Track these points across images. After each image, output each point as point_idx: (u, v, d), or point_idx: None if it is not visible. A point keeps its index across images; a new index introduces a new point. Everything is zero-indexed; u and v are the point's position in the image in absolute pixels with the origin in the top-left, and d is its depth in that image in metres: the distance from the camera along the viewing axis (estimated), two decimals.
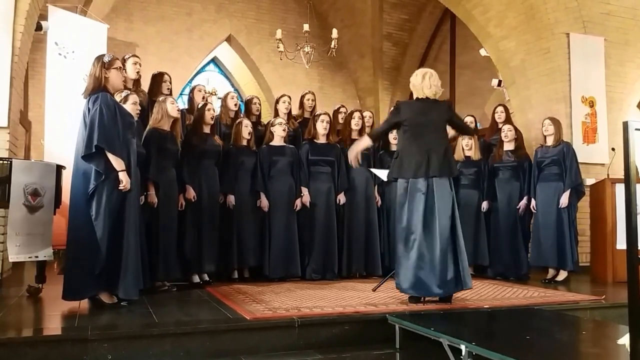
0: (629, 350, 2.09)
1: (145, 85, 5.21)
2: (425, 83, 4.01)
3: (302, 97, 6.06)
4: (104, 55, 3.85)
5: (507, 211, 5.61)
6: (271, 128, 5.41)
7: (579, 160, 5.58)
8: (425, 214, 3.87)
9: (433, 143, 3.97)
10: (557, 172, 5.45)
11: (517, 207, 5.57)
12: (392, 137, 5.64)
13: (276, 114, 5.76)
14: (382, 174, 5.02)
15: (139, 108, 4.33)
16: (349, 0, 10.33)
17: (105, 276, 3.61)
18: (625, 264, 2.12)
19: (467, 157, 5.74)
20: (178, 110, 4.58)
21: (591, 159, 6.45)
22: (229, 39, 10.51)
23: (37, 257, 4.27)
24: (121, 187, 3.62)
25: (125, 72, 4.18)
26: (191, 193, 4.75)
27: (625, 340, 2.44)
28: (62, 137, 6.05)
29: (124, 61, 4.89)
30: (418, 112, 4.01)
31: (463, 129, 4.38)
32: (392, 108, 4.25)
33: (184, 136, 4.90)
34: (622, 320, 3.42)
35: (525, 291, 4.63)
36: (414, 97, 4.12)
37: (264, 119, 6.03)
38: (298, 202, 5.33)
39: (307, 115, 5.94)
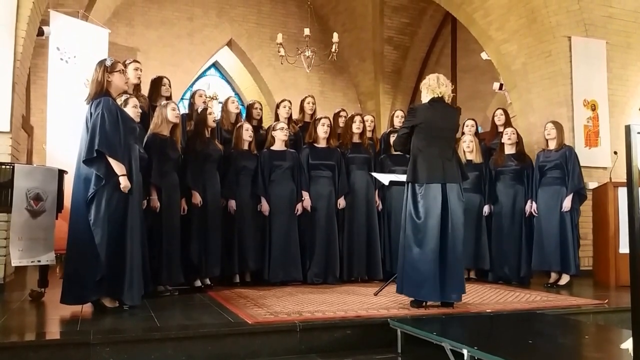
0: (632, 354, 2.08)
1: (145, 89, 5.22)
2: (440, 82, 4.08)
3: (303, 101, 6.07)
4: (105, 59, 3.87)
5: (509, 215, 5.60)
6: (272, 132, 5.42)
7: (581, 164, 5.57)
8: (441, 219, 3.86)
9: (447, 148, 4.00)
10: (560, 176, 5.44)
11: (525, 211, 5.55)
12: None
13: (277, 119, 5.76)
14: (383, 178, 5.02)
15: (140, 111, 4.35)
16: (350, 4, 10.35)
17: (107, 282, 3.61)
18: (628, 268, 2.12)
19: (469, 161, 5.73)
20: (177, 117, 4.59)
21: (593, 162, 6.44)
22: (230, 44, 10.53)
23: (39, 261, 4.28)
24: (121, 187, 3.63)
25: (127, 75, 4.18)
26: (197, 198, 4.75)
27: (628, 344, 2.43)
28: (64, 142, 6.06)
29: (125, 66, 4.91)
30: (434, 115, 4.01)
31: None
32: (408, 110, 4.23)
33: (186, 141, 4.90)
34: (625, 325, 3.41)
35: (527, 295, 4.62)
36: (426, 99, 4.10)
37: (265, 124, 6.04)
38: (299, 206, 5.33)
39: (307, 119, 5.94)
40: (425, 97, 4.12)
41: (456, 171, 3.99)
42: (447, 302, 3.92)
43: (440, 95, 4.05)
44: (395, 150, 4.50)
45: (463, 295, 3.99)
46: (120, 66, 3.86)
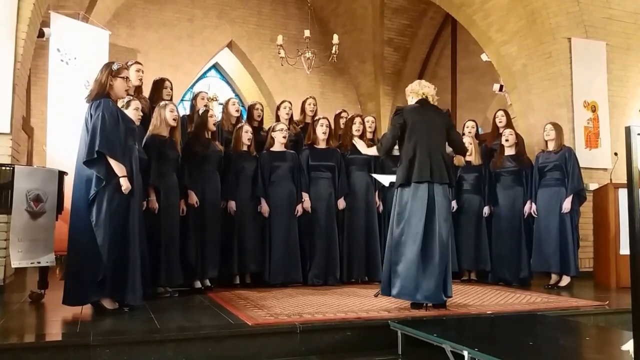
0: (632, 356, 2.08)
1: (146, 91, 5.22)
2: (422, 84, 4.20)
3: (304, 102, 6.07)
4: (113, 63, 3.89)
5: (509, 216, 5.60)
6: (272, 133, 5.42)
7: (581, 165, 5.57)
8: (426, 219, 3.83)
9: (435, 148, 3.98)
10: (559, 177, 5.43)
11: (524, 212, 5.55)
12: None
13: (277, 120, 5.76)
14: (383, 179, 5.01)
15: (141, 114, 4.34)
16: (350, 6, 10.36)
17: (108, 282, 3.60)
18: (629, 269, 2.12)
19: (468, 162, 5.74)
20: (175, 119, 4.57)
21: (594, 164, 6.44)
22: (230, 45, 10.55)
23: (39, 262, 4.28)
24: (122, 189, 3.63)
25: (130, 84, 4.18)
26: (193, 198, 4.75)
27: (629, 346, 2.43)
28: (64, 143, 6.06)
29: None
30: (420, 115, 4.04)
31: (458, 147, 4.28)
32: (393, 113, 4.22)
33: (186, 142, 4.90)
34: (625, 326, 3.41)
35: (527, 297, 4.62)
36: (413, 102, 4.16)
37: (266, 125, 6.04)
38: (299, 207, 5.33)
39: (308, 120, 5.94)
40: (411, 102, 4.19)
41: (445, 172, 3.96)
42: (440, 303, 3.88)
43: (424, 97, 4.11)
44: (379, 153, 4.33)
45: (463, 297, 3.98)
46: (125, 73, 3.87)
